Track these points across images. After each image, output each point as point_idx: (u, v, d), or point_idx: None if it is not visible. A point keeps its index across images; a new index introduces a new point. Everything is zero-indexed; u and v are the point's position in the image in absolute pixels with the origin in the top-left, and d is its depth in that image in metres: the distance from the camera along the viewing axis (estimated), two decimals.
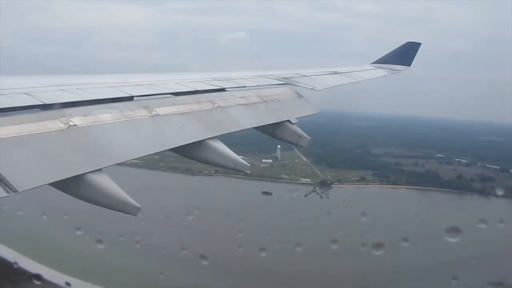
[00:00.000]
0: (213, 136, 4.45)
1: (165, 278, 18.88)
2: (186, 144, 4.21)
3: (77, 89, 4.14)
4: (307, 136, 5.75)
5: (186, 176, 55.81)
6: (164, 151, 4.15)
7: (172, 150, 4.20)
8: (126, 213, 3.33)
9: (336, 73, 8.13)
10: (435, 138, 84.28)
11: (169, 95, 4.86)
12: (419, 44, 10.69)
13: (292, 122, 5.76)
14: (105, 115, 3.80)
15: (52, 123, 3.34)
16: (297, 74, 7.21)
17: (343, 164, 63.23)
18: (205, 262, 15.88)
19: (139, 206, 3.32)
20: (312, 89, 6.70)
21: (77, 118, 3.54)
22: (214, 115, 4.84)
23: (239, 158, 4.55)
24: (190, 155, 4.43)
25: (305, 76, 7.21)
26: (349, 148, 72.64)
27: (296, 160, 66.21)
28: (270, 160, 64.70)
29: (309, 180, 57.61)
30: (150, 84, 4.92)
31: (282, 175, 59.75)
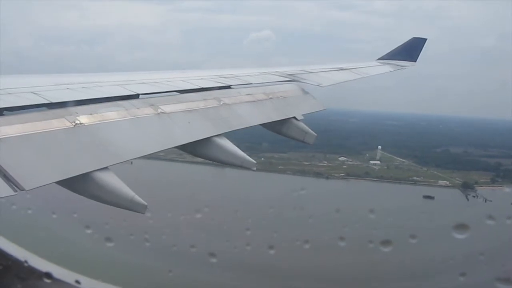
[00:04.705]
0: (219, 133, 4.45)
1: None
2: (192, 142, 4.22)
3: (83, 87, 4.16)
4: (313, 133, 5.73)
5: (319, 179, 56.02)
6: (170, 148, 4.16)
7: (179, 147, 4.21)
8: (133, 211, 3.34)
9: (342, 69, 8.09)
10: (481, 137, 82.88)
11: (175, 93, 4.87)
12: (425, 39, 10.62)
13: (298, 118, 5.74)
14: (111, 113, 3.81)
15: (59, 122, 3.36)
16: (302, 70, 7.18)
17: (452, 165, 62.65)
18: None
19: (146, 204, 3.32)
20: (318, 85, 6.68)
21: (83, 116, 3.56)
22: (220, 112, 4.83)
23: (245, 155, 4.53)
24: (196, 153, 4.43)
25: (310, 72, 7.19)
26: (426, 147, 72.86)
27: (397, 162, 66.70)
28: (378, 162, 65.21)
29: (447, 182, 56.87)
30: (155, 82, 4.93)
31: (414, 177, 59.30)
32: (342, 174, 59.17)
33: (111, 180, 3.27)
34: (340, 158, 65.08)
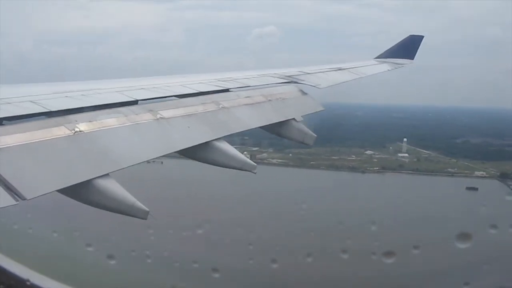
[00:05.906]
0: (218, 137, 4.43)
1: None
2: (192, 146, 4.20)
3: (82, 95, 4.15)
4: (313, 134, 5.72)
5: (356, 174, 56.18)
6: (170, 153, 4.13)
7: (178, 152, 4.18)
8: (134, 217, 3.31)
9: (339, 69, 8.10)
10: (491, 126, 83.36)
11: (174, 98, 4.85)
12: (422, 37, 10.66)
13: (297, 120, 5.72)
14: (110, 120, 3.80)
15: (58, 130, 3.35)
16: (300, 72, 7.19)
17: (480, 156, 62.71)
18: None
19: (148, 210, 3.31)
20: (316, 86, 6.67)
21: (83, 124, 3.54)
22: (219, 116, 4.82)
23: (246, 158, 4.52)
24: (196, 157, 4.40)
25: (308, 73, 7.19)
26: (444, 138, 73.38)
27: (425, 154, 66.85)
28: (406, 154, 65.51)
29: (483, 173, 57.03)
30: (154, 87, 4.92)
31: (448, 169, 59.51)
32: (377, 168, 59.23)
33: (112, 186, 3.25)
34: (366, 152, 64.92)
